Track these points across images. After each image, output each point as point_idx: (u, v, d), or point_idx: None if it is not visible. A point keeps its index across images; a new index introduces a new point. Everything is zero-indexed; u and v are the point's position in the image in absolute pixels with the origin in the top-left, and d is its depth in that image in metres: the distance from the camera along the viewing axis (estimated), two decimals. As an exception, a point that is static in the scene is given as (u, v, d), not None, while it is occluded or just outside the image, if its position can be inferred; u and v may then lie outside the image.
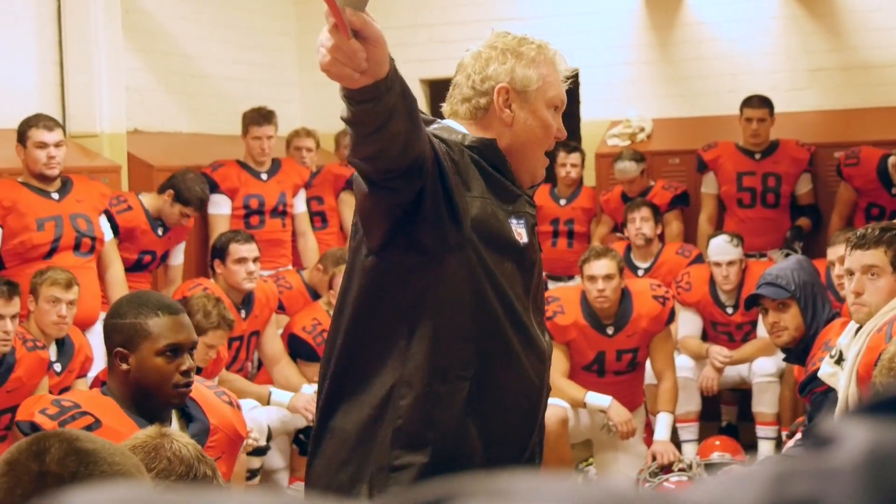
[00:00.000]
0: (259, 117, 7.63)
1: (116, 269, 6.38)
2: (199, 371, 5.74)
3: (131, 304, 3.40)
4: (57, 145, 6.06)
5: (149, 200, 6.77)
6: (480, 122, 2.79)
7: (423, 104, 9.74)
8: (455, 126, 2.80)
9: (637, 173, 8.07)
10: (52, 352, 5.53)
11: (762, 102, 7.86)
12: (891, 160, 7.39)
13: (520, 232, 2.76)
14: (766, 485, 0.62)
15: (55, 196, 6.10)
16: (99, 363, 5.97)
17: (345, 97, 2.41)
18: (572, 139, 9.12)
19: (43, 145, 6.01)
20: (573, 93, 9.34)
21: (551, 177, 8.67)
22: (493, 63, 2.78)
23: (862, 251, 3.85)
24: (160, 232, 6.77)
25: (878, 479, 0.60)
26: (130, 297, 3.57)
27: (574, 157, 8.48)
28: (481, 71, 2.78)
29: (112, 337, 3.35)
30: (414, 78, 9.65)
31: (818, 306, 4.70)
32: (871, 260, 3.85)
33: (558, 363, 6.07)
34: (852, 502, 0.60)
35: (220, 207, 7.53)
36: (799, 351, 4.75)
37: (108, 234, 6.36)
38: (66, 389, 5.65)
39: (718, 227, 7.85)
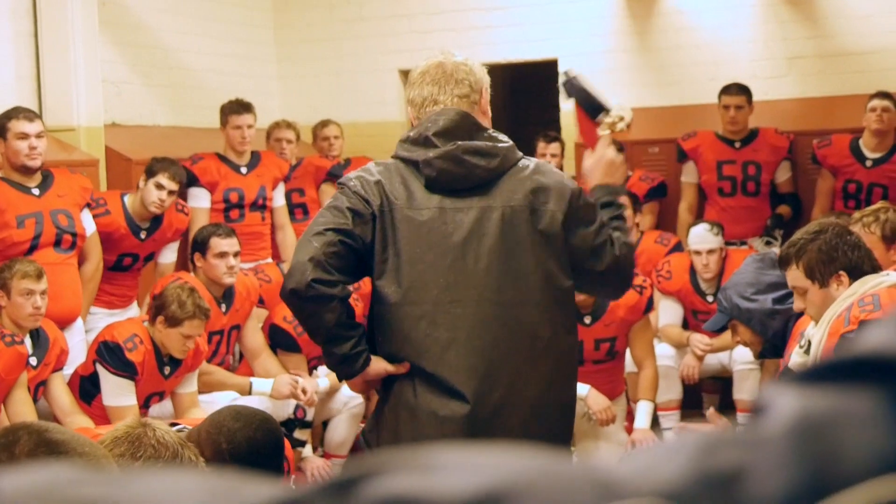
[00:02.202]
0: (238, 107, 7.61)
1: (92, 263, 6.32)
2: (178, 363, 5.74)
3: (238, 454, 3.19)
4: (38, 136, 6.02)
5: (131, 200, 6.69)
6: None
7: (402, 95, 9.72)
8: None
9: None
10: (27, 345, 5.50)
11: (740, 90, 7.87)
12: (871, 104, 7.50)
13: None
14: (692, 455, 0.61)
15: (35, 192, 6.05)
16: (77, 357, 5.94)
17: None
18: (552, 129, 9.11)
19: (24, 136, 5.97)
20: (552, 82, 9.34)
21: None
22: (476, 70, 3.58)
23: (785, 272, 3.93)
24: (143, 236, 6.68)
25: (805, 447, 0.59)
26: (254, 445, 3.24)
27: (553, 147, 8.46)
28: (473, 75, 3.56)
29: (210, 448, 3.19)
30: (393, 69, 9.64)
31: (767, 313, 4.66)
32: (792, 281, 3.91)
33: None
34: (779, 470, 0.59)
35: (200, 201, 7.49)
36: (767, 350, 4.75)
37: (89, 228, 6.30)
38: (42, 383, 5.63)
39: (699, 216, 7.85)
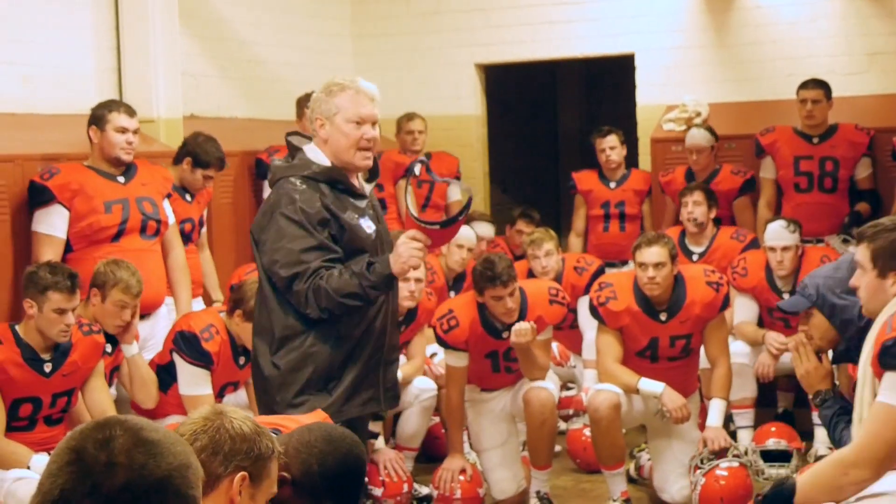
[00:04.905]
0: (314, 101, 7.67)
1: (178, 253, 6.41)
2: (244, 353, 5.77)
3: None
4: (135, 132, 6.16)
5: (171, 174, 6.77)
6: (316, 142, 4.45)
7: (478, 89, 9.73)
8: (313, 152, 4.40)
9: (707, 144, 8.03)
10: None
11: (817, 84, 7.79)
12: None
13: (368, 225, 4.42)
14: None
15: (121, 179, 6.15)
16: (158, 345, 6.00)
17: None
18: (628, 123, 9.08)
19: (124, 130, 6.10)
20: (628, 76, 9.30)
21: (598, 162, 8.62)
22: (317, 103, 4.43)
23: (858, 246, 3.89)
24: (188, 198, 6.78)
25: None
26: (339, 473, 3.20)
27: (610, 140, 8.43)
28: (314, 109, 4.41)
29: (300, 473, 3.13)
30: (469, 63, 9.64)
31: (850, 309, 4.57)
32: (858, 257, 3.86)
33: (611, 349, 6.04)
34: None
35: (275, 193, 7.53)
36: (840, 353, 4.65)
37: (171, 218, 6.39)
38: (116, 369, 5.73)
39: (777, 212, 7.76)
